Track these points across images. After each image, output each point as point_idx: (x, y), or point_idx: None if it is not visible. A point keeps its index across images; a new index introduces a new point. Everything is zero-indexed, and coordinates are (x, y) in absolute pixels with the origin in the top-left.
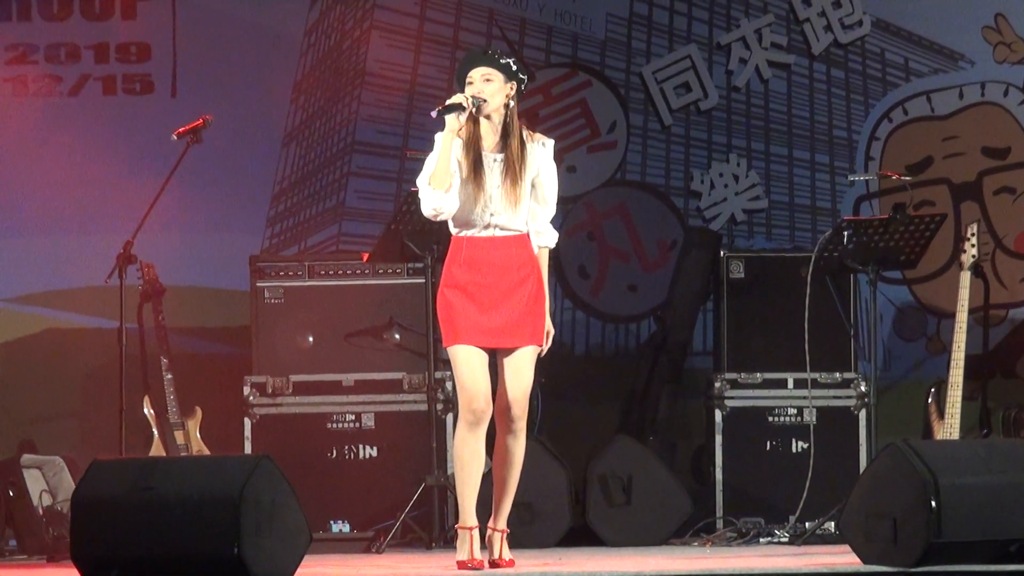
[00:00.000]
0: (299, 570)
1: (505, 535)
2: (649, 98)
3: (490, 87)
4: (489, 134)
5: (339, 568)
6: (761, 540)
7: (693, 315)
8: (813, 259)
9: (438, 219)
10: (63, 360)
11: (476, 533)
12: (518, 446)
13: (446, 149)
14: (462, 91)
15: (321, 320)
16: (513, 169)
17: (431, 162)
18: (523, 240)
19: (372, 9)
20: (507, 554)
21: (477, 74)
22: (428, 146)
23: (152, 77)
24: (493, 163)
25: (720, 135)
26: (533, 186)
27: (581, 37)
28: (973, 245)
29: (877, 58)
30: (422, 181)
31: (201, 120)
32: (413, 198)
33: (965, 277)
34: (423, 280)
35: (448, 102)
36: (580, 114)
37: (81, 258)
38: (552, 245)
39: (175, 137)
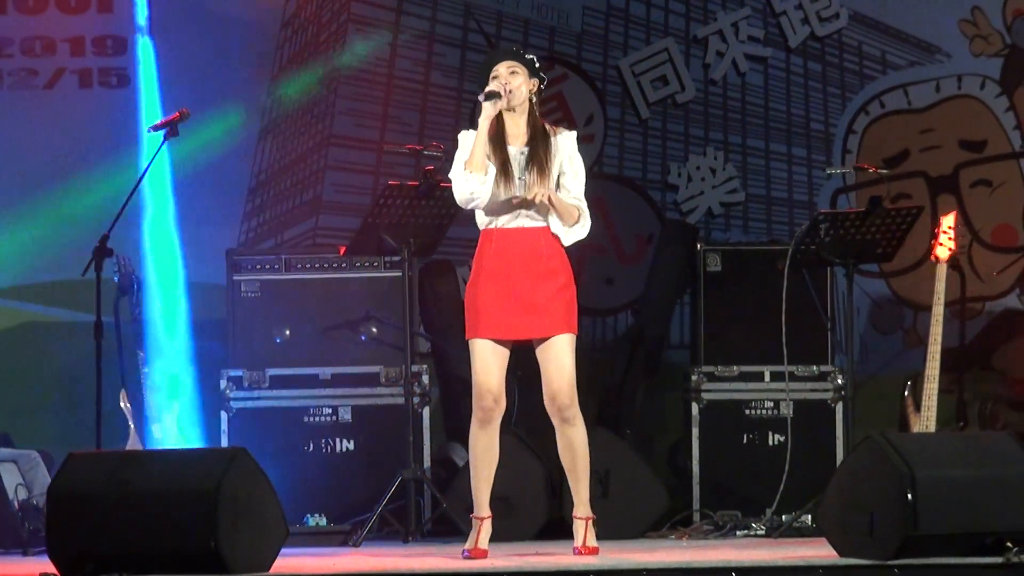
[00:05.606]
0: (276, 563)
1: (590, 522)
2: (626, 91)
3: (516, 79)
4: (514, 128)
5: (316, 561)
6: (738, 533)
7: (670, 308)
8: (790, 252)
9: (470, 206)
10: (39, 354)
11: (487, 524)
12: (576, 433)
13: (483, 134)
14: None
15: (298, 314)
16: (540, 161)
17: (464, 151)
18: (551, 231)
19: (349, 2)
20: (592, 541)
21: (503, 67)
22: (405, 139)
23: (128, 70)
24: (520, 156)
25: (697, 128)
26: (560, 174)
27: (558, 30)
28: (950, 238)
29: (854, 51)
30: (456, 171)
31: (178, 113)
32: (391, 191)
33: (942, 270)
34: (400, 273)
35: (488, 89)
36: (557, 107)
37: (57, 251)
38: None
39: (151, 130)
